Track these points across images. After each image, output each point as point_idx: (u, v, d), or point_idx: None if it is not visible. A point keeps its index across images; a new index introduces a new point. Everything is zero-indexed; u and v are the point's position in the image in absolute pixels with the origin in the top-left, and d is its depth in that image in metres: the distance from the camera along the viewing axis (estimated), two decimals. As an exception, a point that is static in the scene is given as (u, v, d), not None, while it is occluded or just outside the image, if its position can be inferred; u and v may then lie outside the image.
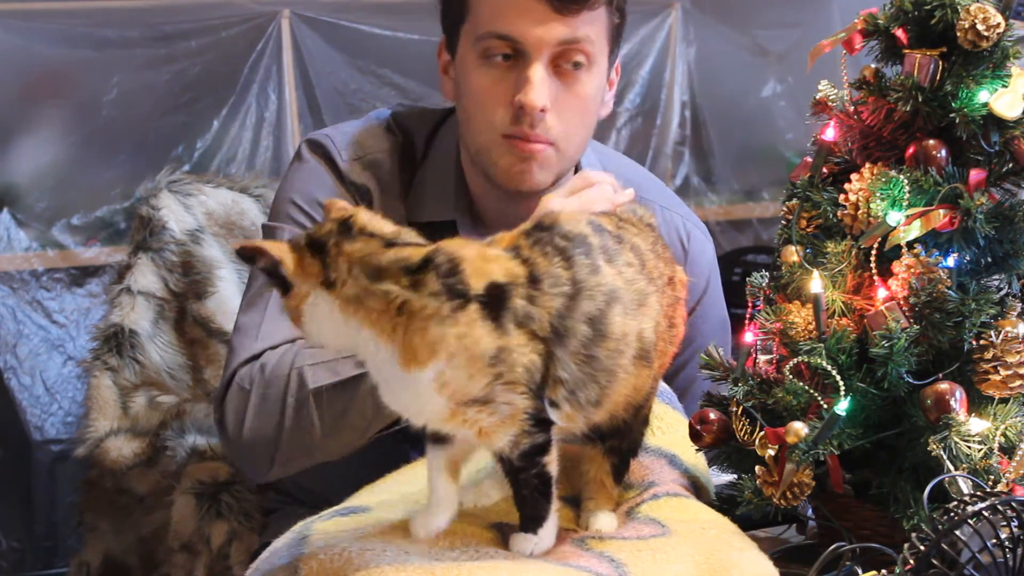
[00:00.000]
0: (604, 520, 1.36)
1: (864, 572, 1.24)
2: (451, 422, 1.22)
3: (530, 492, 1.27)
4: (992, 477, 1.33)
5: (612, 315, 1.25)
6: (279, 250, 1.21)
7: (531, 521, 1.28)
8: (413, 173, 1.84)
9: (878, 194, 1.42)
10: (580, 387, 1.25)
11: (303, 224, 1.77)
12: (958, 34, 1.42)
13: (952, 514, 1.18)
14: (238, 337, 1.74)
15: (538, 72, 1.69)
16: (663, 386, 1.52)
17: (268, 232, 1.82)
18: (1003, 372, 1.38)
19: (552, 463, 1.26)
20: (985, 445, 1.35)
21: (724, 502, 1.48)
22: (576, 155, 1.80)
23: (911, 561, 1.17)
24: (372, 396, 1.39)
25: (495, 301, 1.20)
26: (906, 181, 1.41)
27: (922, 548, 1.17)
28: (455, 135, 1.85)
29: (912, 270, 1.39)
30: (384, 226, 1.24)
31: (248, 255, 1.23)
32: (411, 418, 1.25)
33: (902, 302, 1.39)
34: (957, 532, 1.17)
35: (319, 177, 1.81)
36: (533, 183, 1.75)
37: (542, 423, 1.24)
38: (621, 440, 1.36)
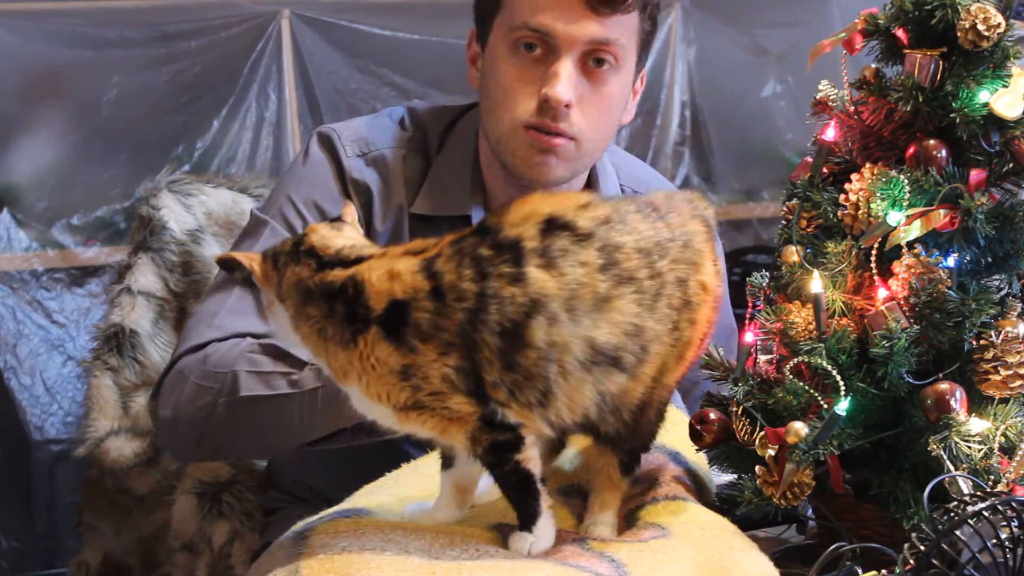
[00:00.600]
0: (604, 528, 1.36)
1: (864, 572, 1.24)
2: (404, 425, 1.27)
3: (511, 489, 1.28)
4: (992, 477, 1.33)
5: (533, 324, 1.22)
6: (251, 260, 1.29)
7: (525, 519, 1.29)
8: (426, 168, 1.84)
9: (878, 194, 1.42)
10: (517, 390, 1.23)
11: (291, 222, 1.77)
12: (958, 34, 1.42)
13: (952, 514, 1.18)
14: (192, 323, 1.74)
15: (566, 67, 1.69)
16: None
17: (254, 220, 1.80)
18: (1003, 372, 1.38)
19: (529, 461, 1.27)
20: (985, 445, 1.35)
21: (724, 502, 1.48)
22: (595, 154, 1.81)
23: (911, 561, 1.17)
24: (301, 414, 1.41)
25: (394, 319, 1.22)
26: (906, 181, 1.41)
27: (922, 548, 1.17)
28: (473, 129, 1.85)
29: (912, 270, 1.39)
30: (335, 242, 1.27)
31: (226, 265, 1.31)
32: (375, 420, 1.29)
33: (902, 302, 1.39)
34: (957, 532, 1.17)
35: (321, 177, 1.80)
36: (551, 176, 1.75)
37: (500, 423, 1.25)
38: (627, 440, 1.36)
